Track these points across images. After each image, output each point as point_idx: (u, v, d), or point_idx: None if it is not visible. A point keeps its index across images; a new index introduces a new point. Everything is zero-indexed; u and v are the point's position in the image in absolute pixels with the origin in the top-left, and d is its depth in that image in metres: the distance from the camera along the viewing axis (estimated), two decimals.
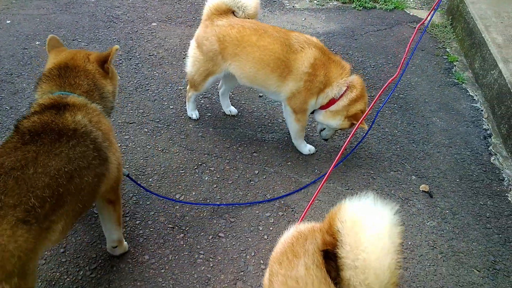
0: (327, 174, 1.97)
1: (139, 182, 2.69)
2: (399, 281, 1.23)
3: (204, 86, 3.25)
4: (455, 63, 4.64)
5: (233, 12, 3.08)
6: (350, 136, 2.18)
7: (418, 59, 4.63)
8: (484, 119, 3.85)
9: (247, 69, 2.99)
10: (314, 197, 2.02)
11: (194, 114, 3.54)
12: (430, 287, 2.47)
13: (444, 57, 4.73)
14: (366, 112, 2.53)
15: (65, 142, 1.74)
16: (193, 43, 3.18)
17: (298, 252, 1.38)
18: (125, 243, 2.46)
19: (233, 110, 3.64)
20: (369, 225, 1.22)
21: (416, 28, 2.77)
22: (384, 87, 2.33)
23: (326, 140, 3.36)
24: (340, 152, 2.09)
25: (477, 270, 2.58)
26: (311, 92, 2.96)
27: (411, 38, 2.20)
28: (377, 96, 2.46)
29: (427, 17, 2.45)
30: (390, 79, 2.46)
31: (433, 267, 2.58)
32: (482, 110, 3.95)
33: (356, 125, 2.38)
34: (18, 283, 1.52)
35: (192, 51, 3.18)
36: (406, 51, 2.16)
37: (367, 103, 3.08)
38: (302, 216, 1.85)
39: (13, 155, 1.62)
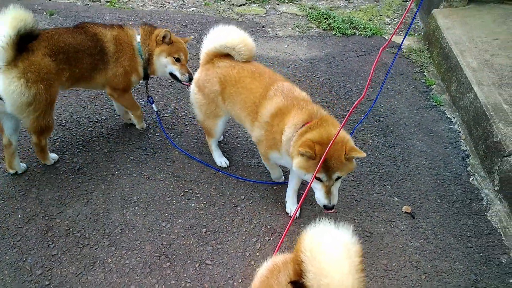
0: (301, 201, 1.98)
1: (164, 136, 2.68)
2: None
3: (217, 130, 3.24)
4: (432, 87, 4.81)
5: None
6: (323, 157, 2.18)
7: (397, 83, 4.79)
8: (462, 140, 3.98)
9: (236, 109, 2.96)
10: (288, 228, 2.06)
11: (223, 161, 3.42)
12: None
13: (422, 80, 4.91)
14: (338, 130, 2.25)
15: (84, 36, 2.99)
16: (193, 88, 3.17)
17: (272, 285, 1.42)
18: (141, 124, 3.67)
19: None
20: (326, 250, 1.27)
21: (381, 50, 2.59)
22: (353, 106, 2.14)
23: (329, 208, 2.49)
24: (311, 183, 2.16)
25: None
26: (269, 144, 2.77)
27: (376, 58, 2.24)
28: (347, 115, 2.21)
29: (390, 39, 2.45)
30: (358, 99, 2.22)
31: None
32: (459, 132, 4.09)
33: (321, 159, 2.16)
34: (45, 87, 2.71)
35: (194, 96, 3.18)
36: (372, 70, 2.20)
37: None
38: (277, 248, 1.88)
39: (53, 32, 2.87)
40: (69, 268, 2.51)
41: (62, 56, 2.84)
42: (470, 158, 3.76)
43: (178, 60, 3.33)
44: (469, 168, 3.65)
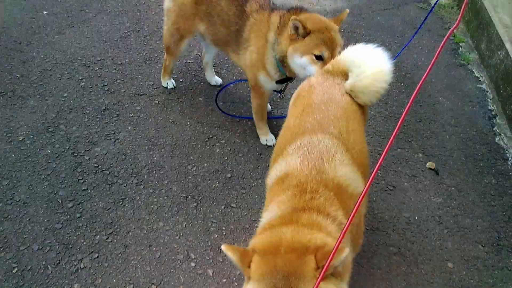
0: None
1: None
2: None
3: None
4: (461, 44, 4.65)
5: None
6: None
7: (425, 39, 4.63)
8: (489, 100, 3.90)
9: None
10: None
11: None
12: (436, 260, 2.55)
13: (451, 38, 4.74)
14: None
15: (233, 7, 2.73)
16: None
17: None
18: (266, 138, 3.14)
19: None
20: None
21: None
22: (447, 36, 1.71)
23: None
24: None
25: (482, 246, 2.66)
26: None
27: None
28: (431, 64, 1.52)
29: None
30: (451, 28, 1.77)
31: (439, 242, 2.66)
32: (487, 91, 3.99)
33: None
34: (177, 13, 2.97)
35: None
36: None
37: None
38: None
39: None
40: (99, 203, 2.56)
41: (204, 7, 2.85)
42: (497, 118, 3.69)
43: (319, 58, 2.38)
44: (495, 128, 3.59)
